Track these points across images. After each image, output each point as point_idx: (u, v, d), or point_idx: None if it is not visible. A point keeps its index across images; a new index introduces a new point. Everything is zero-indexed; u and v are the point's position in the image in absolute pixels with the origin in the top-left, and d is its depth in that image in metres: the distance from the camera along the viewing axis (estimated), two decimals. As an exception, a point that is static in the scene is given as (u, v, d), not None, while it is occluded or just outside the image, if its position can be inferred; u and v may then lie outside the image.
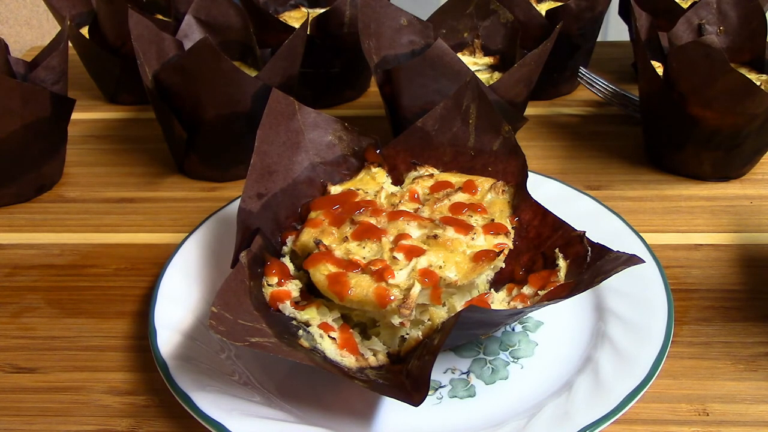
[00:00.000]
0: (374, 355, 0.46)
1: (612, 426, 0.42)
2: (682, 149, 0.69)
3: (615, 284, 0.51)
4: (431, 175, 0.57)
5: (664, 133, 0.70)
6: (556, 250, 0.50)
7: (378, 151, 0.58)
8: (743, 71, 0.71)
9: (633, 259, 0.43)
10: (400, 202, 0.53)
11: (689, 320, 0.53)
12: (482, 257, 0.47)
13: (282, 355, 0.41)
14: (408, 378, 0.42)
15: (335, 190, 0.56)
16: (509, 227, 0.52)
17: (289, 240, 0.53)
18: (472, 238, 0.49)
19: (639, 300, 0.50)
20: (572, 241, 0.49)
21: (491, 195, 0.54)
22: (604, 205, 0.59)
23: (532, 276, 0.49)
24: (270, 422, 0.42)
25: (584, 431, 0.40)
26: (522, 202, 0.53)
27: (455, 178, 0.56)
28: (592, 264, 0.46)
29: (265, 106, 0.53)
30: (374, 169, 0.58)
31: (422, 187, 0.55)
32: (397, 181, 0.58)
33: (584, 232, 0.49)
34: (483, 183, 0.55)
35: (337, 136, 0.57)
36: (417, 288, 0.45)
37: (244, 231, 0.50)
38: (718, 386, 0.47)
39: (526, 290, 0.48)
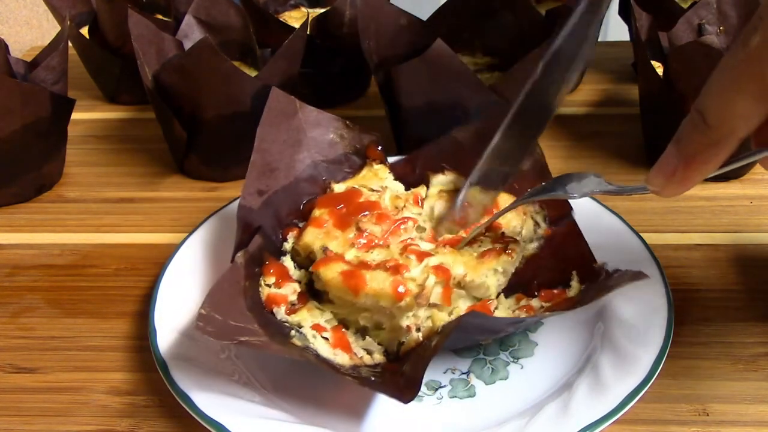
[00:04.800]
0: (369, 354, 0.46)
1: (612, 426, 0.42)
2: (682, 149, 0.69)
3: (615, 284, 0.51)
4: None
5: (664, 133, 0.70)
6: (573, 272, 0.50)
7: (380, 148, 0.58)
8: (743, 71, 0.71)
9: (638, 275, 0.43)
10: (404, 206, 0.53)
11: (689, 320, 0.53)
12: (488, 254, 0.48)
13: (272, 351, 0.41)
14: (402, 376, 0.42)
15: (338, 188, 0.56)
16: (519, 239, 0.51)
17: (291, 237, 0.52)
18: (479, 245, 0.50)
19: (639, 300, 0.50)
20: (593, 270, 0.49)
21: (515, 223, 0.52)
22: (604, 205, 0.59)
23: (544, 291, 0.49)
24: (270, 422, 0.42)
25: (584, 431, 0.40)
26: (561, 220, 0.52)
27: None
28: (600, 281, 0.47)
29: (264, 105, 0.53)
30: (376, 166, 0.57)
31: (439, 201, 0.53)
32: (416, 181, 0.57)
33: (605, 263, 0.48)
34: (510, 221, 0.52)
35: (338, 134, 0.57)
36: (432, 279, 0.45)
37: (244, 228, 0.49)
38: (718, 386, 0.47)
39: (534, 303, 0.48)
